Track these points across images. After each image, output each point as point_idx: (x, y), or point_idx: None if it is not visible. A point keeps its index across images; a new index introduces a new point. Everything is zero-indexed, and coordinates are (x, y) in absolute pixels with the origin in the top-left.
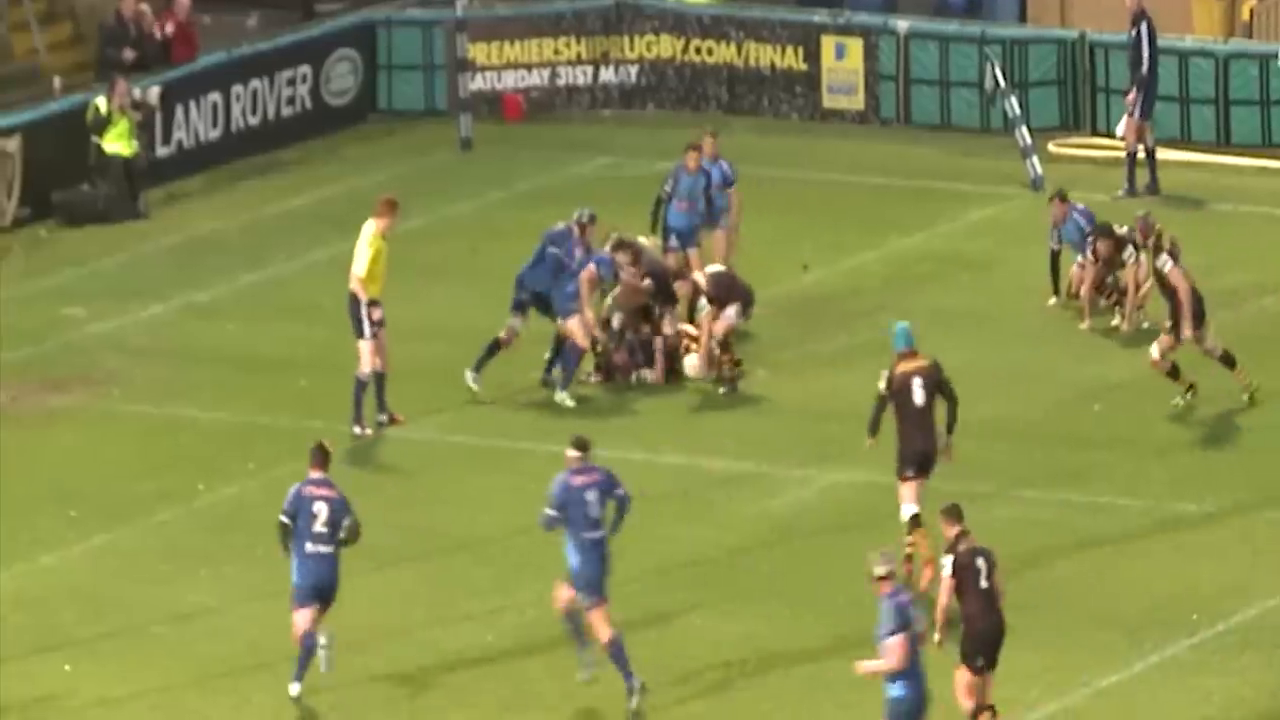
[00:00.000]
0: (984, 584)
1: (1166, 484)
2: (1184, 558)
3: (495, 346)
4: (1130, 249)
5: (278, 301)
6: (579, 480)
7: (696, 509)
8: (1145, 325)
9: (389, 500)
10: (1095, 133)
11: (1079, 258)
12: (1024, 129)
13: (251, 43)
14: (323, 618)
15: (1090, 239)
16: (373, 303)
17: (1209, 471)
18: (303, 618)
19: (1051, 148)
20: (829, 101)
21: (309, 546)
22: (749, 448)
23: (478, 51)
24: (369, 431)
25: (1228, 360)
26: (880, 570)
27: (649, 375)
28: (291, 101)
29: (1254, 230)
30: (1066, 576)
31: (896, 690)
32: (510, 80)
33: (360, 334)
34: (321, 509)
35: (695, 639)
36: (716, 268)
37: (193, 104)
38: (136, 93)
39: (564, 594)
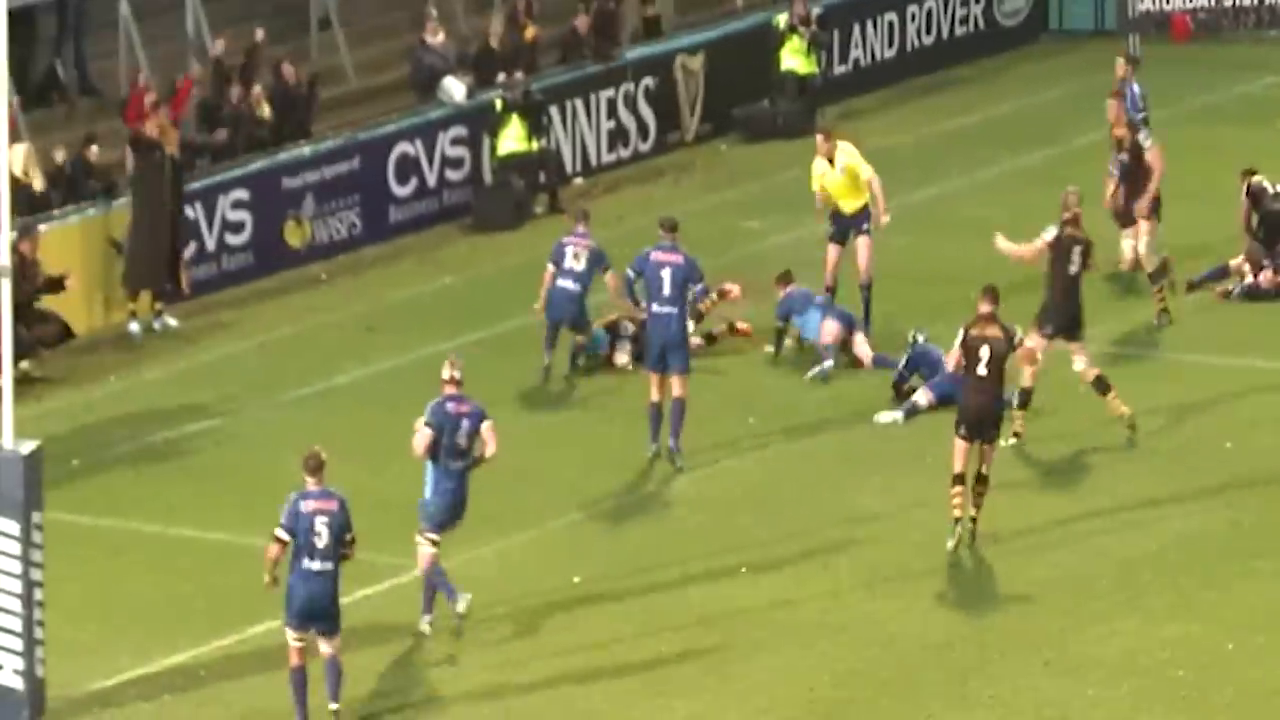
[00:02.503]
0: (982, 371)
1: None
2: None
3: None
4: None
5: (947, 217)
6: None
7: None
8: None
9: (1060, 413)
10: None
11: None
12: None
13: None
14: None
15: None
16: None
17: None
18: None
19: None
20: None
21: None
22: None
23: None
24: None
25: None
26: (445, 375)
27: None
28: (965, 21)
29: None
30: None
31: (425, 491)
32: (1178, 1)
33: None
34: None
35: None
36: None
37: (870, 24)
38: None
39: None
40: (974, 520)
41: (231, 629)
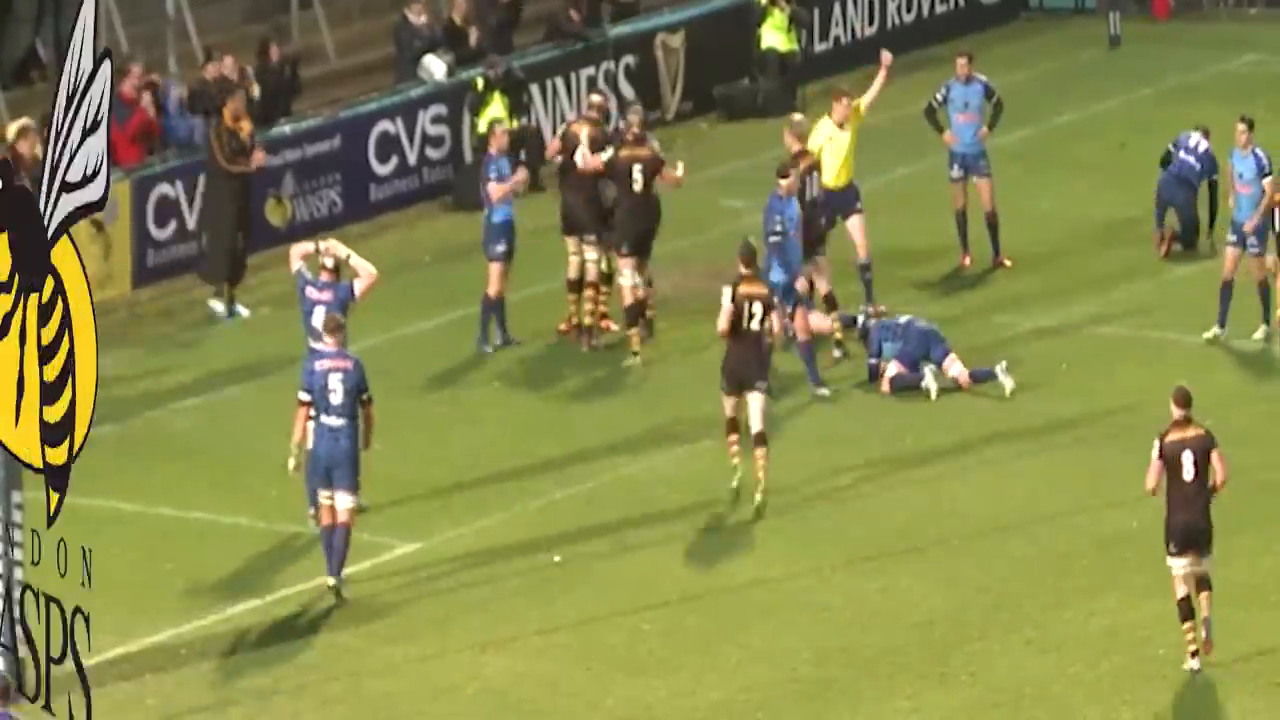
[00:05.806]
0: None
1: None
2: None
3: None
4: None
5: (927, 194)
6: None
7: None
8: None
9: (1042, 392)
10: None
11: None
12: None
13: None
14: None
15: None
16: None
17: None
18: None
19: None
20: None
21: None
22: None
23: None
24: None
25: None
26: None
27: None
28: None
29: None
30: None
31: None
32: None
33: None
34: None
35: None
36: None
37: (850, 1)
38: None
39: None
40: None
41: (212, 608)
